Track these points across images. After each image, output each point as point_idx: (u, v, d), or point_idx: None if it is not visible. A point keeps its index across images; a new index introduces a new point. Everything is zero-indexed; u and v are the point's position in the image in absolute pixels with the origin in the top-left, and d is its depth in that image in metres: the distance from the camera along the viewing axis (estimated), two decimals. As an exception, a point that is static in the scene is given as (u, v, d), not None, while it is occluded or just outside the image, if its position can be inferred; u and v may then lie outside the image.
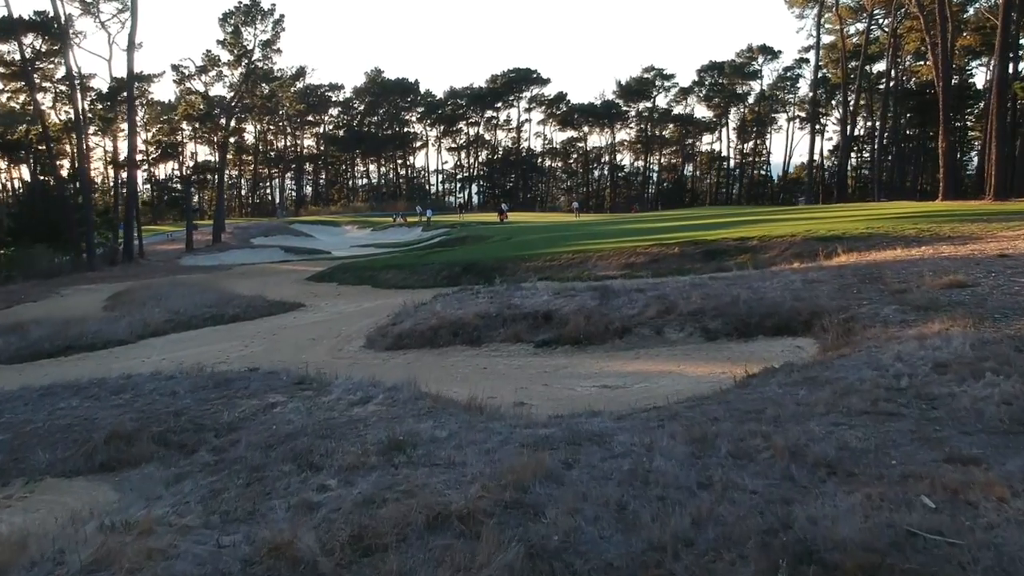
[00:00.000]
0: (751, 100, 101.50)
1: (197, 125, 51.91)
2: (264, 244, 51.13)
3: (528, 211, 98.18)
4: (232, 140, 50.92)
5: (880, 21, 62.89)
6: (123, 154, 61.91)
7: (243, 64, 49.24)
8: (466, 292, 14.87)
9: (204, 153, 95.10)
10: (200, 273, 33.37)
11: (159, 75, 53.06)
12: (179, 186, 48.89)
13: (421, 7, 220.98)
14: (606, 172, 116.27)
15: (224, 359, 13.16)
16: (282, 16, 50.34)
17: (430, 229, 62.82)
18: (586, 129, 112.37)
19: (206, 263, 41.87)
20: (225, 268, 35.98)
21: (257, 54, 50.15)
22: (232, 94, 49.67)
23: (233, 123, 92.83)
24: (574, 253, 20.68)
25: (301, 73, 74.03)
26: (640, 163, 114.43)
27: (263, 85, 55.42)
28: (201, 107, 49.02)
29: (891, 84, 63.86)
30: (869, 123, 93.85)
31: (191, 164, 47.87)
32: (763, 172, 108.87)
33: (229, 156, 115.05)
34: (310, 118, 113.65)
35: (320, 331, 15.16)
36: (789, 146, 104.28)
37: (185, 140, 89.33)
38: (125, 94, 54.82)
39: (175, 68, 50.64)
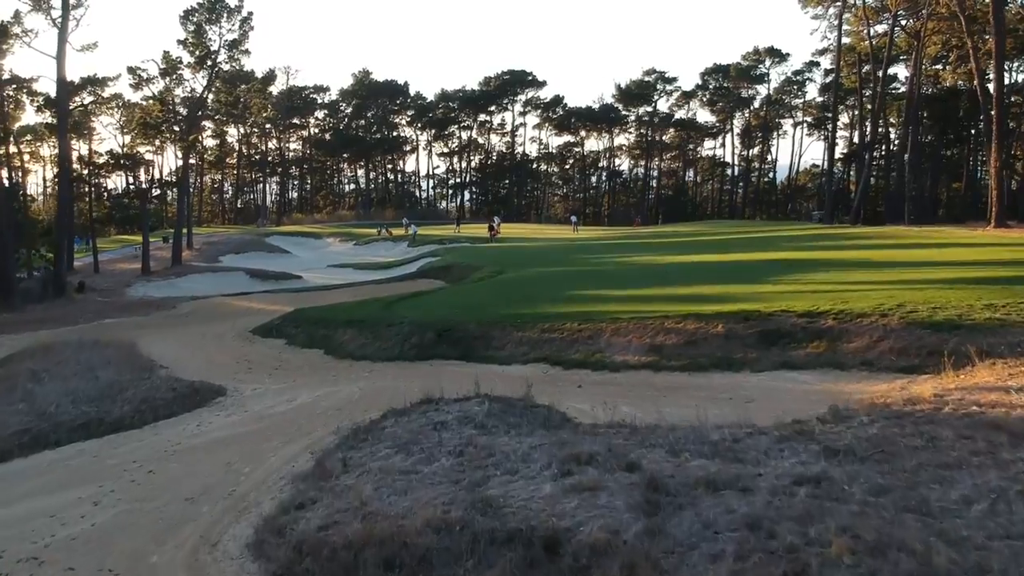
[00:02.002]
0: (756, 104, 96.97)
1: (156, 134, 46.85)
2: (230, 266, 46.17)
3: (523, 223, 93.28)
4: (196, 149, 45.81)
5: (902, 23, 58.22)
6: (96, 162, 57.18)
7: (207, 67, 44.29)
8: (426, 419, 10.10)
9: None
10: (137, 315, 28.47)
11: (115, 78, 48.29)
12: (138, 200, 43.75)
13: (410, 7, 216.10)
14: (604, 178, 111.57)
15: (34, 551, 8.31)
16: (250, 14, 45.48)
17: (416, 245, 58.08)
18: (583, 134, 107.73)
19: (156, 293, 36.99)
20: (171, 304, 31.06)
21: (222, 56, 45.22)
22: (194, 100, 44.70)
23: (210, 126, 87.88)
24: (581, 322, 15.84)
25: (272, 78, 68.88)
26: (639, 169, 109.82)
27: (239, 87, 50.52)
28: (159, 114, 44.03)
29: (915, 90, 59.15)
30: (880, 129, 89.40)
31: (147, 177, 42.71)
32: (769, 179, 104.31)
33: (209, 161, 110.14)
34: (296, 121, 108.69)
35: (212, 473, 10.30)
36: (799, 152, 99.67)
37: (164, 146, 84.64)
38: (89, 99, 49.81)
39: (132, 71, 45.68)
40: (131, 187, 43.32)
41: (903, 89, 73.04)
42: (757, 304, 15.05)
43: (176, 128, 44.65)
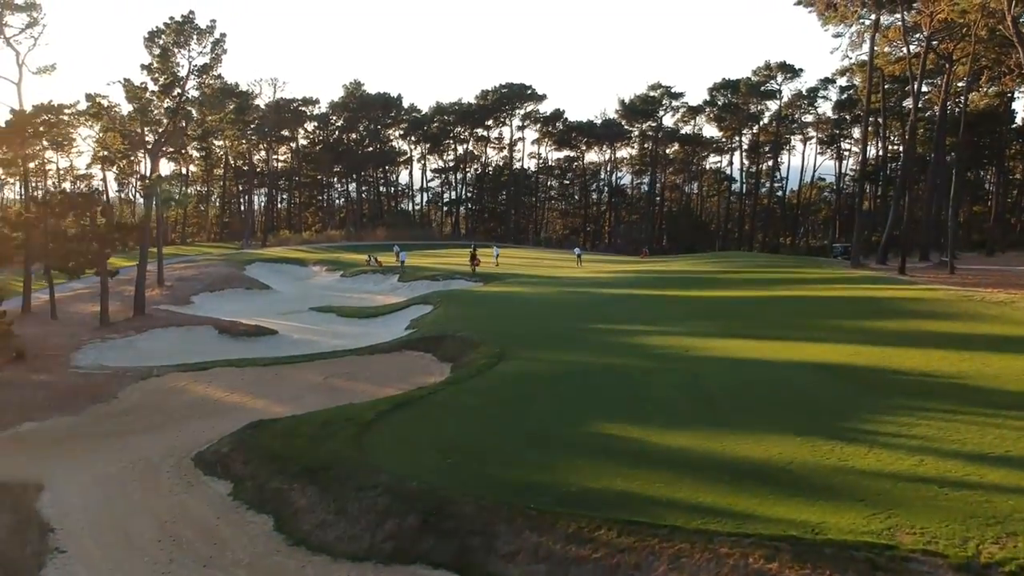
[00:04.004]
0: (766, 120, 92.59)
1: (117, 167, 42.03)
2: (199, 316, 41.47)
3: (521, 246, 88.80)
4: (162, 187, 41.21)
5: (933, 43, 53.85)
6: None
7: (173, 96, 39.68)
8: None
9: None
10: (68, 412, 23.81)
11: (72, 105, 43.58)
12: (96, 244, 39.04)
13: (404, 19, 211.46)
14: (604, 194, 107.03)
15: None
16: (223, 36, 40.80)
17: (407, 280, 53.66)
18: (584, 148, 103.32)
19: (108, 359, 32.33)
20: (115, 389, 26.44)
21: (191, 82, 40.63)
22: (158, 132, 40.12)
23: (205, 142, 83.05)
24: (620, 531, 11.37)
25: (246, 106, 64.12)
26: (643, 185, 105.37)
27: (209, 116, 45.95)
28: (120, 147, 39.39)
29: (945, 113, 55.00)
30: (895, 148, 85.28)
31: (103, 221, 37.98)
32: (778, 196, 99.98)
33: (194, 175, 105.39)
34: (284, 133, 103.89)
35: None
36: (810, 169, 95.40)
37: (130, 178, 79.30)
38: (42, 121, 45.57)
39: (91, 99, 41.09)
40: (88, 227, 38.49)
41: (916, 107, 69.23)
42: (875, 517, 10.59)
43: (138, 160, 40.09)
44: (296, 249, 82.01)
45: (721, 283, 40.39)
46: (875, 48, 54.56)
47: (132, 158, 40.86)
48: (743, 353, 22.39)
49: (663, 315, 31.08)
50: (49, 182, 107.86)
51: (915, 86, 52.24)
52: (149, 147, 39.59)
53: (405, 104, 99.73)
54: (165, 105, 38.91)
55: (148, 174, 38.83)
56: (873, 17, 51.33)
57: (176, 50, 40.51)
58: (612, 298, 37.59)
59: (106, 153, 39.14)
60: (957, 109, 66.58)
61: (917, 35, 52.79)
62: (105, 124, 40.54)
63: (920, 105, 70.59)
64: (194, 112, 43.55)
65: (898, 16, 49.29)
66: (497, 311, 35.27)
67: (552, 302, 37.28)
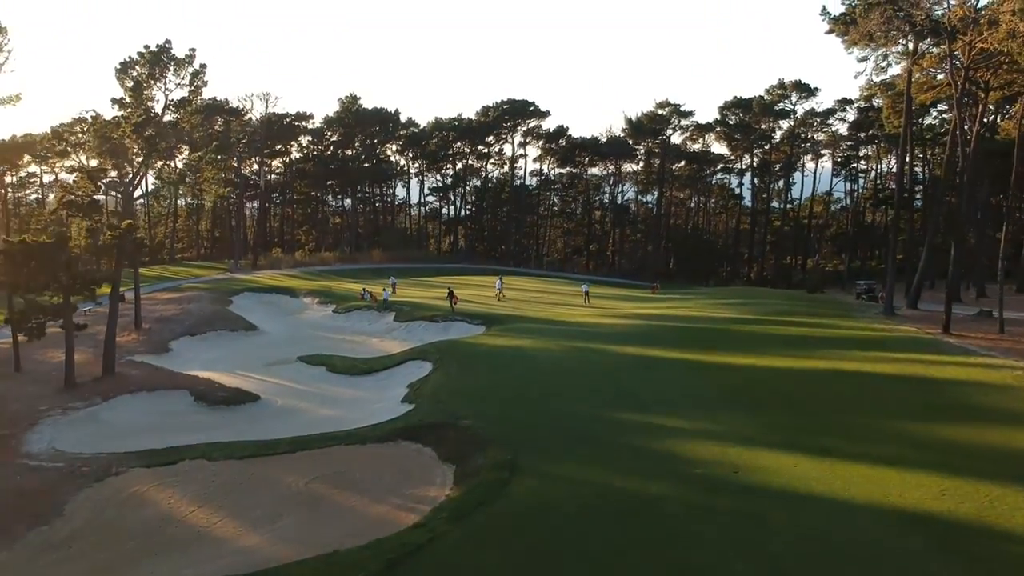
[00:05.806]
0: (777, 138, 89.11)
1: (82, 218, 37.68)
2: (173, 378, 37.57)
3: (524, 271, 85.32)
4: (136, 236, 37.53)
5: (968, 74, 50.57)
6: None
7: (146, 132, 36.00)
8: None
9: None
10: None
11: (40, 140, 39.89)
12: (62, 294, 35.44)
13: (403, 34, 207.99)
14: (608, 212, 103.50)
15: None
16: (203, 66, 37.30)
17: (403, 319, 50.27)
18: (587, 164, 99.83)
19: (65, 443, 28.48)
20: (62, 497, 22.73)
21: (167, 119, 36.98)
22: (130, 174, 36.44)
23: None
24: None
25: (226, 145, 60.49)
26: (649, 203, 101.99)
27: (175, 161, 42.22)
28: (87, 191, 35.68)
29: (976, 143, 51.69)
30: (917, 170, 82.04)
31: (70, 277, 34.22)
32: (791, 216, 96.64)
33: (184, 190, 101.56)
34: (278, 147, 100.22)
35: None
36: (829, 186, 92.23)
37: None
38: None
39: (57, 135, 37.39)
40: (50, 279, 34.81)
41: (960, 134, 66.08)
42: None
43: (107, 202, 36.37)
44: (287, 275, 78.39)
45: (747, 341, 36.82)
46: (893, 71, 51.36)
47: (101, 203, 37.01)
48: (804, 482, 18.76)
49: (693, 396, 27.49)
50: (33, 196, 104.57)
51: (955, 114, 48.93)
52: (120, 188, 35.85)
53: (403, 119, 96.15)
54: (138, 145, 35.18)
55: (118, 224, 35.09)
56: (904, 44, 48.09)
57: (151, 83, 36.95)
58: (631, 362, 33.98)
59: (73, 198, 35.16)
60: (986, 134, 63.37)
61: (954, 63, 49.48)
62: (72, 164, 36.74)
63: (944, 130, 67.53)
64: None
65: (944, 46, 45.85)
66: (503, 380, 31.62)
67: (564, 368, 33.59)
